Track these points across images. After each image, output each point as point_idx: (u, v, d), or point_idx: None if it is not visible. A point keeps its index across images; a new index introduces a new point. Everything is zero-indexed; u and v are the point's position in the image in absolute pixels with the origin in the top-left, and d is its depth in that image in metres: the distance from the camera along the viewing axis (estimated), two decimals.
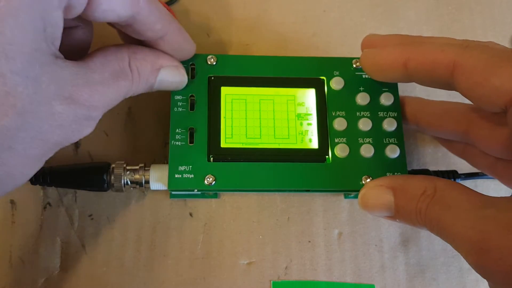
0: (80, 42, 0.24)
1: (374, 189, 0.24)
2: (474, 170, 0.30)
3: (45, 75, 0.18)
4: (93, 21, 0.21)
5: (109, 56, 0.22)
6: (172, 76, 0.25)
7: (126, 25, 0.22)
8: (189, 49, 0.26)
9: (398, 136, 0.27)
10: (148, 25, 0.22)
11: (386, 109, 0.28)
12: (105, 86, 0.21)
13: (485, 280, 0.20)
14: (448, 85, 0.23)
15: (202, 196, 0.29)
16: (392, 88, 0.28)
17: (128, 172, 0.27)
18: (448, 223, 0.20)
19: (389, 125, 0.27)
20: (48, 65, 0.18)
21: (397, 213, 0.23)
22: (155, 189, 0.27)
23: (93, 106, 0.20)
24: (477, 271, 0.20)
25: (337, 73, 0.28)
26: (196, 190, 0.26)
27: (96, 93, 0.20)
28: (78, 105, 0.20)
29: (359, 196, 0.25)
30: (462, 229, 0.20)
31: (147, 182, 0.27)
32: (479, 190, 0.30)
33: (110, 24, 0.23)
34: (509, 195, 0.21)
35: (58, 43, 0.19)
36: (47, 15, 0.18)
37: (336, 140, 0.27)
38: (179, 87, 0.27)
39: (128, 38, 0.24)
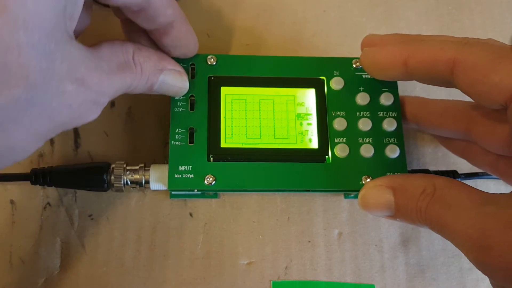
0: (77, 27, 0.24)
1: (373, 189, 0.24)
2: (474, 170, 0.30)
3: (60, 53, 0.18)
4: (112, 4, 0.21)
5: (116, 47, 0.22)
6: (174, 80, 0.25)
7: (138, 10, 0.22)
8: (194, 42, 0.26)
9: (398, 136, 0.27)
10: (161, 9, 0.23)
11: (386, 109, 0.28)
12: (112, 74, 0.21)
13: (485, 280, 0.20)
14: (448, 83, 0.23)
15: (202, 196, 0.29)
16: (392, 88, 0.28)
17: (128, 172, 0.27)
18: (448, 221, 0.20)
19: (389, 125, 0.27)
20: (64, 43, 0.18)
21: (398, 213, 0.23)
22: (155, 189, 0.27)
23: (102, 92, 0.21)
24: (478, 268, 0.20)
25: (337, 73, 0.28)
26: (196, 190, 0.26)
27: (105, 79, 0.21)
28: (88, 88, 0.20)
29: (359, 196, 0.25)
30: (462, 227, 0.20)
31: (147, 182, 0.27)
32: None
33: (118, 13, 0.23)
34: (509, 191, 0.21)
35: (74, 24, 0.19)
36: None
37: (336, 140, 0.27)
38: (179, 94, 0.27)
39: (133, 31, 0.24)
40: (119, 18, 0.25)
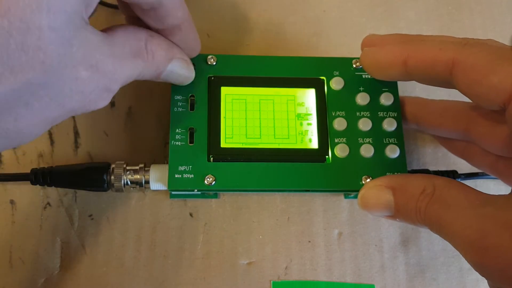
0: None
1: (373, 189, 0.24)
2: (474, 170, 0.30)
3: (77, 39, 0.18)
4: (128, 1, 0.21)
5: (129, 33, 0.22)
6: (181, 69, 0.25)
7: (149, 9, 0.22)
8: (197, 44, 0.26)
9: (398, 136, 0.27)
10: (172, 10, 0.23)
11: (386, 109, 0.28)
12: (125, 60, 0.21)
13: (485, 280, 0.20)
14: (447, 83, 0.23)
15: (202, 196, 0.29)
16: (392, 88, 0.28)
17: (128, 172, 0.27)
18: (447, 221, 0.20)
19: (389, 125, 0.27)
20: (81, 29, 0.18)
21: (397, 212, 0.23)
22: (155, 189, 0.27)
23: (114, 79, 0.20)
24: (476, 269, 0.20)
25: (337, 73, 0.28)
26: (196, 190, 0.26)
27: (119, 65, 0.20)
28: (102, 75, 0.20)
29: (359, 196, 0.25)
30: (460, 228, 0.20)
31: (147, 182, 0.27)
32: (479, 190, 0.30)
33: (125, 10, 0.24)
34: (507, 193, 0.21)
35: (91, 10, 0.19)
36: None
37: (336, 140, 0.27)
38: (184, 82, 0.27)
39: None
40: (125, 14, 0.25)
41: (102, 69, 0.19)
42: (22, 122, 0.19)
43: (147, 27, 0.24)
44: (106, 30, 0.21)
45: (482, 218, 0.19)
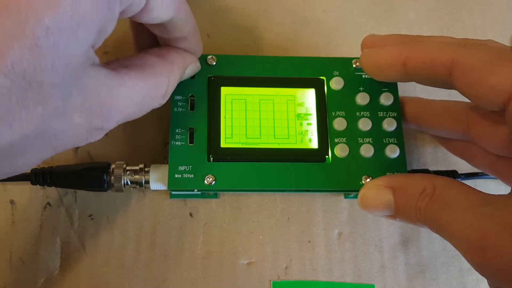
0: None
1: (373, 189, 0.24)
2: (474, 170, 0.30)
3: (76, 88, 0.18)
4: (137, 21, 0.21)
5: (150, 79, 0.22)
6: (192, 71, 0.26)
7: (159, 24, 0.22)
8: (199, 51, 0.27)
9: (398, 136, 0.27)
10: (179, 26, 0.23)
11: (386, 109, 0.28)
12: (130, 102, 0.21)
13: (485, 280, 0.20)
14: (446, 84, 0.23)
15: (202, 196, 0.29)
16: (392, 88, 0.28)
17: (128, 172, 0.27)
18: (447, 221, 0.20)
19: (389, 125, 0.27)
20: (83, 77, 0.18)
21: (397, 212, 0.23)
22: (155, 189, 0.27)
23: (109, 120, 0.20)
24: (476, 269, 0.20)
25: (337, 73, 0.28)
26: (196, 190, 0.26)
27: (117, 109, 0.20)
28: (96, 118, 0.19)
29: (359, 196, 0.25)
30: (460, 228, 0.20)
31: (147, 182, 0.27)
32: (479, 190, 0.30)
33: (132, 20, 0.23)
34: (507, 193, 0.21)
35: (100, 43, 0.19)
36: (103, 28, 0.18)
37: (336, 140, 0.27)
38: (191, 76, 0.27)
39: (142, 31, 0.24)
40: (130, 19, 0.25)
41: (96, 112, 0.19)
42: (17, 166, 0.19)
43: (151, 34, 0.24)
44: (123, 61, 0.21)
45: (482, 218, 0.19)
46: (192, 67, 0.26)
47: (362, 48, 0.27)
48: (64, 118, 0.18)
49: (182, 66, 0.24)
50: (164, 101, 0.23)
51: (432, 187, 0.22)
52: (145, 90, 0.21)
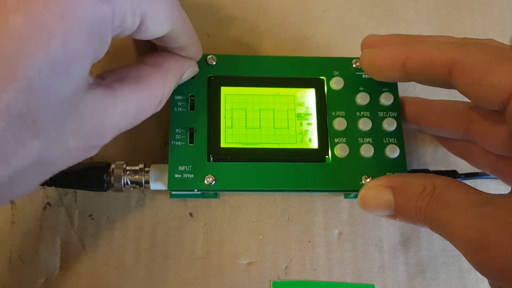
0: None
1: (373, 189, 0.24)
2: (474, 170, 0.30)
3: (72, 116, 0.18)
4: (137, 38, 0.21)
5: (144, 94, 0.21)
6: (190, 75, 0.26)
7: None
8: (198, 57, 0.26)
9: (398, 136, 0.27)
10: (177, 38, 0.23)
11: (386, 109, 0.28)
12: (124, 116, 0.21)
13: (485, 280, 0.20)
14: (446, 84, 0.23)
15: (202, 196, 0.29)
16: (392, 88, 0.28)
17: (128, 172, 0.27)
18: (447, 221, 0.20)
19: (389, 125, 0.27)
20: (77, 104, 0.18)
21: (397, 212, 0.23)
22: (155, 189, 0.27)
23: (104, 137, 0.20)
24: (476, 269, 0.20)
25: (337, 73, 0.28)
26: (196, 190, 0.26)
27: (112, 125, 0.20)
28: (91, 138, 0.19)
29: (359, 196, 0.25)
30: (460, 227, 0.20)
31: (147, 182, 0.27)
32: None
33: None
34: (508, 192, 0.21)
35: (96, 61, 0.19)
36: (96, 57, 0.18)
37: (336, 140, 0.27)
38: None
39: (142, 42, 0.24)
40: None
41: (91, 134, 0.19)
42: (17, 193, 0.19)
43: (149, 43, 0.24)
44: (117, 76, 0.21)
45: (482, 218, 0.19)
46: (190, 71, 0.26)
47: (362, 48, 0.27)
48: (60, 145, 0.18)
49: (179, 73, 0.24)
50: (159, 109, 0.23)
51: (432, 187, 0.22)
52: (139, 104, 0.21)
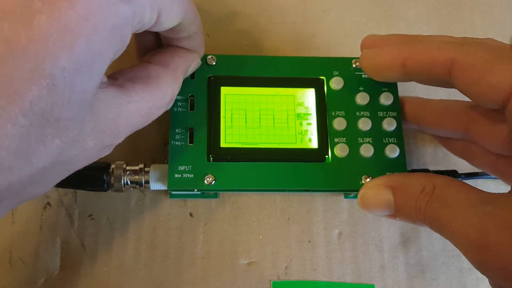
0: None
1: (373, 188, 0.24)
2: (474, 170, 0.30)
3: (89, 116, 0.18)
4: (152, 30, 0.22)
5: (152, 83, 0.22)
6: (193, 69, 0.26)
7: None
8: (202, 49, 0.27)
9: (398, 136, 0.27)
10: (186, 26, 0.23)
11: (386, 108, 0.28)
12: (137, 116, 0.21)
13: (485, 280, 0.20)
14: (446, 83, 0.23)
15: (202, 196, 0.29)
16: (392, 87, 0.28)
17: (128, 172, 0.27)
18: (447, 220, 0.20)
19: (389, 124, 0.27)
20: (94, 104, 0.18)
21: (397, 212, 0.23)
22: (155, 189, 0.27)
23: (118, 137, 0.20)
24: (476, 268, 0.20)
25: (337, 73, 0.28)
26: (196, 190, 0.26)
27: (125, 124, 0.20)
28: (106, 137, 0.20)
29: (358, 196, 0.25)
30: (461, 227, 0.20)
31: (147, 182, 0.27)
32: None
33: None
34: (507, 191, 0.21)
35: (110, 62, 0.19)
36: (116, 56, 0.18)
37: (336, 140, 0.27)
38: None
39: (144, 35, 0.24)
40: None
41: (107, 132, 0.19)
42: (34, 193, 0.19)
43: (153, 35, 0.24)
44: (128, 76, 0.21)
45: (482, 217, 0.19)
46: (194, 65, 0.26)
47: (361, 49, 0.27)
48: (79, 144, 0.18)
49: (185, 69, 0.25)
50: (169, 106, 0.24)
51: (431, 186, 0.22)
52: (151, 102, 0.21)
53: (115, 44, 0.18)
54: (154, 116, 0.22)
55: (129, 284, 0.28)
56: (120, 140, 0.21)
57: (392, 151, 0.27)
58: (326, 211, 0.30)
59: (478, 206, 0.20)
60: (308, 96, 0.28)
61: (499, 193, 0.20)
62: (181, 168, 0.26)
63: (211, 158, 0.26)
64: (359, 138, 0.27)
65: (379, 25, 0.34)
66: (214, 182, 0.26)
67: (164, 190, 0.28)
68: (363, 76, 0.28)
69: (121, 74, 0.21)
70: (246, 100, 0.28)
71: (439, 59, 0.22)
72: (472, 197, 0.20)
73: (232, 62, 0.28)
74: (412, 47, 0.24)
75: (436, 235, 0.22)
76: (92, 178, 0.27)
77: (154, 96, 0.22)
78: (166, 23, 0.21)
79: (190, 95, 0.27)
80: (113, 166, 0.27)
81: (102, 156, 0.21)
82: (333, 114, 0.28)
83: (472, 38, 0.23)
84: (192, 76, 0.28)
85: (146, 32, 0.24)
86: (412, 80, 0.25)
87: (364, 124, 0.27)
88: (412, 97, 0.29)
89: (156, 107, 0.22)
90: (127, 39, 0.18)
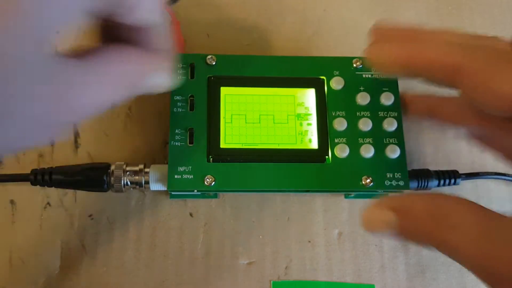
0: None
1: (376, 211, 0.24)
2: (475, 170, 0.29)
3: (42, 80, 0.17)
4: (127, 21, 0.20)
5: (112, 56, 0.21)
6: (158, 83, 0.23)
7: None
8: (169, 45, 0.23)
9: (398, 136, 0.27)
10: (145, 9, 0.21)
11: (386, 109, 0.28)
12: (96, 95, 0.20)
13: None
14: (452, 87, 0.22)
15: (202, 196, 0.29)
16: (393, 87, 0.28)
17: (128, 173, 0.27)
18: (454, 243, 0.20)
19: (389, 125, 0.27)
20: (50, 69, 0.17)
21: (401, 234, 0.23)
22: (155, 189, 0.27)
23: (73, 115, 0.19)
24: None
25: (337, 73, 0.28)
26: (195, 191, 0.26)
27: (82, 104, 0.19)
28: (60, 113, 0.19)
29: (362, 219, 0.24)
30: (469, 250, 0.19)
31: (147, 182, 0.27)
32: (479, 190, 0.30)
33: None
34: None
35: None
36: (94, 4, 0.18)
37: (336, 140, 0.27)
38: (166, 90, 0.24)
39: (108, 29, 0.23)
40: None
41: (63, 107, 0.18)
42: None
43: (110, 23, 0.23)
44: (90, 52, 0.20)
45: (490, 238, 0.19)
46: (159, 76, 0.22)
47: (368, 39, 0.26)
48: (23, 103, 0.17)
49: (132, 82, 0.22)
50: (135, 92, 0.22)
51: (437, 208, 0.21)
52: (113, 81, 0.20)
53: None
54: (117, 98, 0.21)
55: (129, 284, 0.28)
56: (76, 119, 0.20)
57: (393, 152, 0.27)
58: (326, 211, 0.30)
59: (486, 228, 0.19)
60: (308, 96, 0.28)
61: (508, 216, 0.20)
62: (181, 169, 0.26)
63: (211, 159, 0.26)
64: (359, 139, 0.27)
65: None
66: (214, 183, 0.25)
67: (164, 190, 0.28)
68: (364, 76, 0.28)
69: (82, 49, 0.20)
70: (246, 100, 0.28)
71: (446, 63, 0.21)
72: (480, 220, 0.20)
73: (232, 62, 0.28)
74: (418, 48, 0.23)
75: None
76: (92, 178, 0.27)
77: (116, 75, 0.20)
78: (138, 15, 0.20)
79: (189, 95, 0.27)
80: (113, 166, 0.27)
81: (59, 135, 0.20)
82: (333, 114, 0.27)
83: (480, 37, 0.22)
84: (192, 76, 0.27)
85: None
86: (417, 79, 0.24)
87: (365, 124, 0.27)
88: (428, 95, 0.28)
89: (119, 87, 0.21)
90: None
